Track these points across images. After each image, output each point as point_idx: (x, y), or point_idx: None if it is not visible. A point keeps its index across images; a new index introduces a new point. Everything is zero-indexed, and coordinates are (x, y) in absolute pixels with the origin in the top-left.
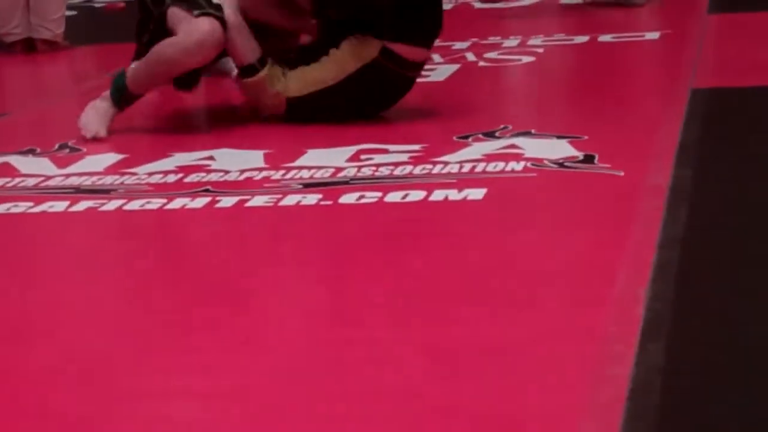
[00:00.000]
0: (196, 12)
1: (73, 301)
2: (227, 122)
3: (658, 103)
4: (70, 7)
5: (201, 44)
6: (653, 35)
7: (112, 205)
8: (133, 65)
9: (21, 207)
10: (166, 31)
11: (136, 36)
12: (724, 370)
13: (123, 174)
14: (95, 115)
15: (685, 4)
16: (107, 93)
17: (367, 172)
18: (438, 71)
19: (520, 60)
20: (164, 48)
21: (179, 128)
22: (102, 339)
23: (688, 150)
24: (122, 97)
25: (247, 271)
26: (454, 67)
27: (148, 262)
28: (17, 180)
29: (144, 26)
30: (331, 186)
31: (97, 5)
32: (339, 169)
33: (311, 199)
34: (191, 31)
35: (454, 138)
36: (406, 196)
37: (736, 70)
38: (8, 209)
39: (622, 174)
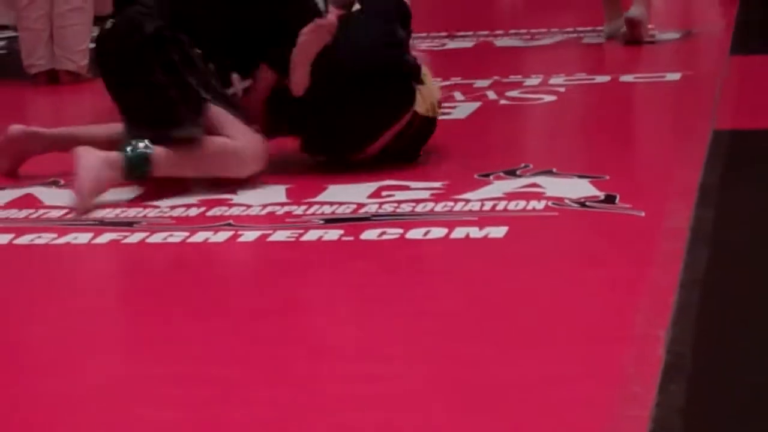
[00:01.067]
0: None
1: (94, 331)
2: None
3: (680, 144)
4: (94, 40)
5: (261, 159)
6: (674, 76)
7: (135, 237)
8: (171, 151)
9: (45, 238)
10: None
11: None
12: (746, 412)
13: (146, 207)
14: (93, 185)
15: (707, 46)
16: (115, 158)
17: (388, 208)
18: (459, 109)
19: (541, 99)
20: (227, 154)
21: None
22: (120, 370)
23: (709, 191)
24: (140, 177)
25: (267, 305)
26: (476, 105)
27: (169, 295)
28: (41, 211)
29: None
30: (353, 222)
31: None
32: (360, 205)
33: (333, 234)
34: (251, 142)
35: (476, 176)
36: (427, 233)
37: (758, 112)
38: (32, 240)
39: (643, 214)
